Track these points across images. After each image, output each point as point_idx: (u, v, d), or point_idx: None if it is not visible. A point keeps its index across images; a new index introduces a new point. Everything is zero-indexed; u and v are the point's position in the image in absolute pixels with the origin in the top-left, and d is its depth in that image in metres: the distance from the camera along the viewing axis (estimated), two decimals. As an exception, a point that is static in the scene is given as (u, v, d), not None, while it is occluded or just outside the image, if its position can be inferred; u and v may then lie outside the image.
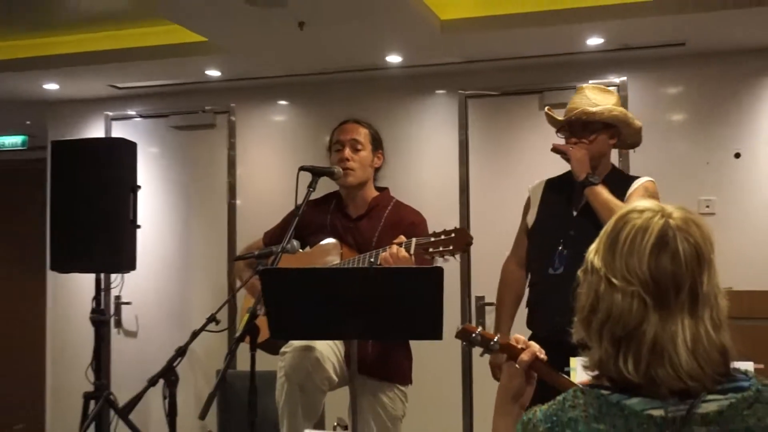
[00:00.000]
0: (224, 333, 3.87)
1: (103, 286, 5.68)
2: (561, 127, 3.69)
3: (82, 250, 5.38)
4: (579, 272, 1.74)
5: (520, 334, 2.20)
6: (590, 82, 5.50)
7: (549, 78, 5.64)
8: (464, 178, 5.87)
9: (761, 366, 2.48)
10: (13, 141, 8.16)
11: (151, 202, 6.34)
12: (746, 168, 5.35)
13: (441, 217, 4.46)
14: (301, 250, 3.59)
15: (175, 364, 3.30)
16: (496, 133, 5.83)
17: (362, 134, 3.80)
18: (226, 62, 5.73)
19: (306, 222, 3.61)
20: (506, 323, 3.80)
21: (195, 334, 3.38)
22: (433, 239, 3.32)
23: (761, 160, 5.33)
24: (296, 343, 3.39)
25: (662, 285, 1.60)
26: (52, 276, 6.43)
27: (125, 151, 5.64)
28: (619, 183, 3.56)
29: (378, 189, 3.88)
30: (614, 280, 1.62)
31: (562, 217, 3.61)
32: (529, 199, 3.83)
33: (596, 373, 1.67)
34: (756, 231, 5.27)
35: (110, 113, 6.68)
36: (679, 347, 1.56)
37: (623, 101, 5.53)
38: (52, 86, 6.30)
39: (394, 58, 5.60)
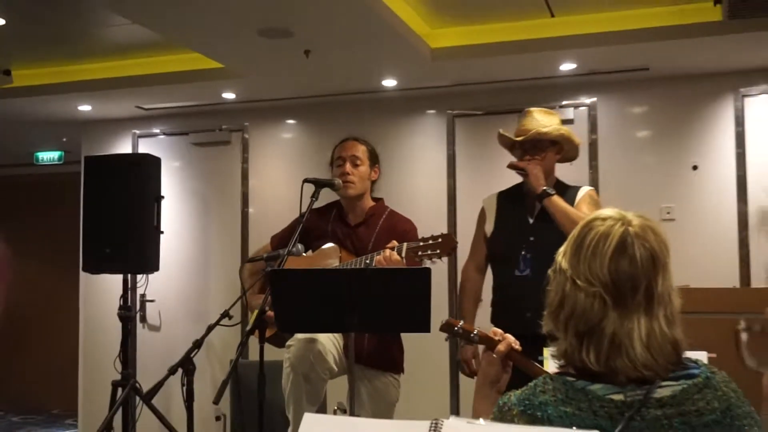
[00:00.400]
0: (237, 327, 3.87)
1: (129, 285, 5.68)
2: (513, 146, 3.72)
3: (111, 253, 5.38)
4: (549, 271, 1.75)
5: (483, 330, 2.20)
6: (563, 102, 5.57)
7: (527, 99, 5.60)
8: (452, 189, 5.88)
9: (714, 355, 2.47)
10: (51, 156, 8.17)
11: (173, 210, 6.34)
12: (703, 179, 5.36)
13: (431, 224, 4.45)
14: (304, 254, 3.59)
15: (192, 355, 3.30)
16: (480, 149, 5.83)
17: (361, 151, 3.80)
18: (240, 86, 5.74)
19: (309, 228, 3.62)
20: (469, 323, 3.81)
21: (210, 328, 3.38)
22: (422, 243, 3.33)
23: (716, 172, 5.33)
24: (300, 337, 3.38)
25: (620, 286, 1.61)
26: (84, 276, 6.43)
27: (150, 165, 5.65)
28: (566, 192, 3.62)
29: (374, 199, 3.89)
30: (578, 281, 1.63)
31: (520, 224, 3.66)
32: (483, 210, 3.86)
33: (563, 362, 1.68)
34: (710, 235, 5.27)
35: (137, 131, 6.68)
36: (635, 342, 1.57)
37: (593, 121, 5.55)
38: (85, 107, 6.31)
39: (389, 82, 5.61)
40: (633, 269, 1.61)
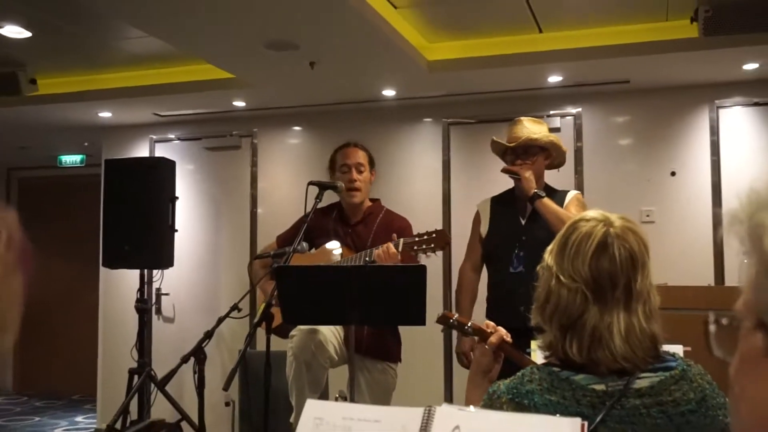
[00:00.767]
0: (245, 319, 3.87)
1: (146, 279, 5.68)
2: (505, 152, 3.72)
3: (129, 249, 5.39)
4: (538, 268, 1.75)
5: (477, 323, 2.20)
6: (551, 112, 5.56)
7: (517, 108, 5.60)
8: (446, 192, 5.87)
9: (689, 349, 2.47)
10: (73, 159, 8.17)
11: (187, 210, 6.33)
12: (680, 184, 5.35)
13: (427, 224, 4.41)
14: (309, 251, 3.59)
15: (204, 345, 3.30)
16: (473, 155, 5.82)
17: (362, 157, 3.80)
18: (249, 95, 5.73)
19: (313, 227, 3.61)
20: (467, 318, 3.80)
21: (220, 320, 3.38)
22: (417, 239, 3.33)
23: (692, 178, 5.32)
24: (303, 328, 3.38)
25: (601, 283, 1.60)
26: (103, 271, 6.42)
27: (166, 168, 5.65)
28: (555, 196, 3.63)
29: (371, 200, 3.89)
30: (562, 278, 1.63)
31: (513, 225, 3.66)
32: (478, 214, 3.86)
33: (549, 353, 1.68)
34: (688, 237, 5.26)
35: (154, 137, 6.67)
36: (615, 335, 1.57)
37: (578, 129, 5.54)
38: (105, 114, 6.30)
39: (389, 92, 5.60)
40: (613, 267, 1.61)
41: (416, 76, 5.12)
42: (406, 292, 2.94)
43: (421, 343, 4.95)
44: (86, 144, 7.54)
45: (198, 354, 3.28)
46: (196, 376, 3.30)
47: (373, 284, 2.95)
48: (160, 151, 6.56)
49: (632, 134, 5.52)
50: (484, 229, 3.78)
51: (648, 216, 5.32)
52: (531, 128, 3.64)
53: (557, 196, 3.63)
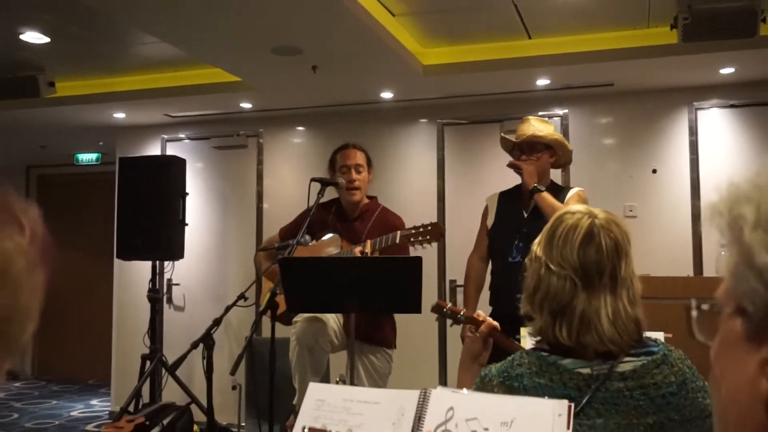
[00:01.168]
0: (251, 307, 3.86)
1: (158, 271, 5.69)
2: (512, 148, 3.71)
3: (142, 243, 5.39)
4: (526, 259, 1.75)
5: (484, 311, 2.20)
6: (538, 114, 5.54)
7: (507, 110, 5.64)
8: (441, 189, 5.86)
9: (670, 335, 2.47)
10: (89, 157, 8.15)
11: (197, 205, 6.33)
12: (661, 181, 5.35)
13: (422, 220, 4.43)
14: (310, 243, 3.58)
15: (212, 332, 3.29)
16: (466, 154, 5.82)
17: (361, 158, 3.79)
18: (256, 97, 5.72)
19: (313, 221, 3.60)
20: (472, 305, 3.79)
21: (228, 309, 3.38)
22: (413, 231, 3.33)
23: (672, 175, 5.32)
24: (306, 315, 3.38)
25: (588, 270, 1.60)
26: (117, 263, 6.42)
27: (177, 166, 5.65)
28: (558, 191, 3.61)
29: (368, 197, 3.88)
30: (551, 266, 1.63)
31: (516, 218, 3.63)
32: (486, 207, 3.84)
33: (538, 338, 1.67)
34: (669, 230, 5.27)
35: (165, 136, 6.66)
36: (602, 318, 1.57)
37: (565, 130, 5.54)
38: (120, 115, 6.29)
39: (386, 95, 5.60)
40: (599, 256, 1.61)
41: (412, 79, 5.11)
42: (403, 282, 2.93)
43: (418, 330, 4.95)
44: (101, 143, 7.53)
45: (207, 340, 3.27)
46: (205, 361, 3.29)
47: (372, 275, 2.94)
48: (171, 150, 6.55)
49: (616, 134, 5.52)
50: (490, 221, 3.76)
51: (631, 211, 5.33)
52: (537, 126, 3.63)
53: (561, 192, 3.60)
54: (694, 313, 0.72)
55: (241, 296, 3.37)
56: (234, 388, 4.60)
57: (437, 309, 2.28)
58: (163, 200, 5.45)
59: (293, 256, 3.28)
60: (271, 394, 3.20)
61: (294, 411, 3.45)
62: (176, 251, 5.48)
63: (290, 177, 6.25)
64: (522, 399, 1.46)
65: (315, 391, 1.44)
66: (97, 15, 4.17)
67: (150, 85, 5.66)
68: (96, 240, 8.07)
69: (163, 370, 5.17)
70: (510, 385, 1.58)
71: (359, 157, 3.78)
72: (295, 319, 3.43)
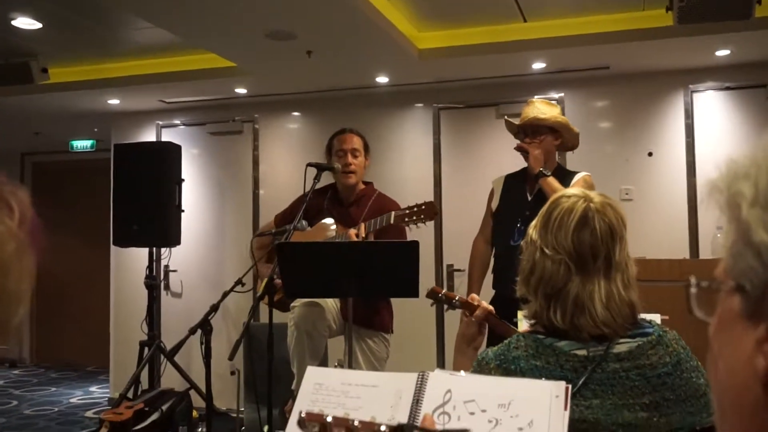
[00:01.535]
0: (249, 293, 3.87)
1: (154, 257, 5.69)
2: (518, 131, 3.69)
3: (139, 229, 5.39)
4: (522, 243, 1.75)
5: (487, 293, 2.21)
6: (536, 97, 5.51)
7: (503, 94, 5.64)
8: (437, 173, 5.86)
9: (666, 317, 2.48)
10: (84, 144, 8.12)
11: (193, 191, 6.32)
12: (657, 164, 5.36)
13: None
14: (307, 228, 3.59)
15: (210, 318, 3.31)
16: (462, 138, 5.82)
17: (358, 143, 3.79)
18: (250, 82, 5.70)
19: (309, 206, 3.60)
20: (476, 288, 3.79)
21: (225, 294, 3.38)
22: (408, 211, 3.34)
23: (668, 158, 5.33)
24: (303, 300, 3.39)
25: (582, 254, 1.61)
26: (114, 250, 6.42)
27: (172, 152, 5.64)
28: (564, 175, 3.58)
29: (364, 183, 3.88)
30: (546, 250, 1.63)
31: (520, 201, 3.62)
32: (492, 190, 3.82)
33: (534, 321, 1.69)
34: (664, 213, 5.28)
35: (160, 122, 6.65)
36: (596, 302, 1.58)
37: (561, 113, 5.52)
38: (114, 101, 6.27)
39: (382, 79, 5.58)
40: (593, 240, 1.61)
41: (408, 63, 5.10)
42: (401, 267, 2.94)
43: (415, 314, 4.97)
44: (96, 130, 7.50)
45: (204, 326, 3.28)
46: (203, 347, 3.31)
47: (369, 259, 2.95)
48: (167, 136, 6.53)
49: (612, 117, 5.52)
50: (495, 203, 3.75)
51: (627, 194, 5.33)
52: (541, 109, 3.60)
53: (567, 177, 3.57)
54: (693, 290, 0.72)
55: (239, 282, 3.38)
56: (233, 373, 4.62)
57: (432, 295, 2.29)
58: (159, 187, 5.44)
59: (290, 241, 3.28)
60: (270, 379, 3.21)
61: (293, 396, 3.47)
62: (173, 238, 5.48)
63: (286, 162, 6.24)
64: (519, 381, 1.48)
65: (313, 375, 1.45)
66: (89, 0, 4.15)
67: (144, 70, 5.64)
68: (92, 227, 8.07)
69: (162, 357, 5.19)
70: (507, 368, 1.59)
71: (356, 142, 3.77)
72: (293, 304, 3.44)
